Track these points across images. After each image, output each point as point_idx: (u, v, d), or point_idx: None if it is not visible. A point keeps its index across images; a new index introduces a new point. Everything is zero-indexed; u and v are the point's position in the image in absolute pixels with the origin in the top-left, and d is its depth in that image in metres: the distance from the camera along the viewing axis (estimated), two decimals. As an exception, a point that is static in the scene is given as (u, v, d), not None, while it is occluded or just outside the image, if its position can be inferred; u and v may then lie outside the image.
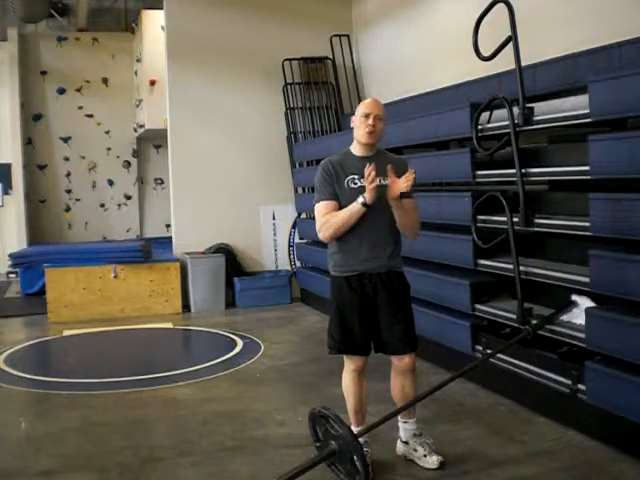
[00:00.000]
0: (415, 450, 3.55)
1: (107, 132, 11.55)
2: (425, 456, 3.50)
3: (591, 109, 3.81)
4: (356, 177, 3.40)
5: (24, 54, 11.14)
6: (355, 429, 3.43)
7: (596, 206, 3.72)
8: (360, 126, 3.43)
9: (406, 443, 3.60)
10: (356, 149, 3.51)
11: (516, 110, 4.35)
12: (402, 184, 3.26)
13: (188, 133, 8.47)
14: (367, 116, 3.40)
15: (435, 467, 3.46)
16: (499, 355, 4.28)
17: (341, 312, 3.47)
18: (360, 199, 3.28)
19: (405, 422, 3.60)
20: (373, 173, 3.22)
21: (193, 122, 8.47)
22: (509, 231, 4.32)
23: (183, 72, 8.40)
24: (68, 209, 11.50)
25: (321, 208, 3.43)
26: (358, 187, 3.37)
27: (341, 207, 3.40)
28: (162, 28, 8.87)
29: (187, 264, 8.12)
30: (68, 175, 11.47)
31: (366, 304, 3.44)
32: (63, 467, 3.67)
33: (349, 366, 3.52)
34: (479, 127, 4.74)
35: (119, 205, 11.72)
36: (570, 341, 3.94)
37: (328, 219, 3.38)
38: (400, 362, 3.51)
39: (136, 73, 11.04)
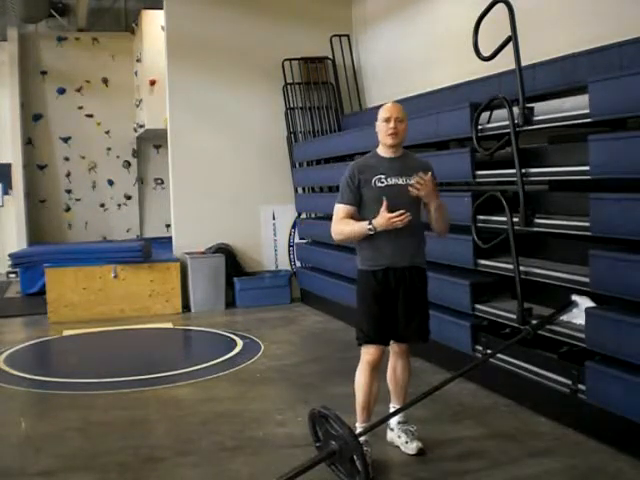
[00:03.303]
0: (399, 437, 3.73)
1: (107, 132, 11.56)
2: (407, 442, 3.67)
3: (591, 109, 3.82)
4: (383, 177, 3.54)
5: (24, 54, 11.15)
6: (360, 426, 3.51)
7: (596, 206, 3.72)
8: (382, 130, 3.59)
9: (392, 430, 3.77)
10: (382, 151, 3.65)
11: (516, 110, 4.35)
12: (423, 188, 3.44)
13: (188, 133, 8.47)
14: (388, 120, 3.57)
15: (414, 453, 3.63)
16: (499, 355, 4.28)
17: (368, 304, 3.59)
18: (369, 224, 3.43)
19: (393, 407, 3.76)
20: (397, 219, 3.35)
21: (193, 122, 8.47)
22: (509, 231, 4.32)
23: (183, 72, 8.39)
24: (68, 209, 11.51)
25: (339, 211, 3.59)
26: (385, 185, 3.51)
27: (364, 204, 3.53)
28: (162, 28, 8.87)
29: (187, 264, 8.12)
30: (68, 175, 11.48)
31: (388, 296, 3.56)
32: (63, 467, 3.67)
33: (365, 357, 3.59)
34: (479, 127, 4.74)
35: (119, 205, 11.73)
36: (570, 341, 3.94)
37: (342, 227, 3.56)
38: (397, 346, 3.72)
39: (136, 73, 11.04)
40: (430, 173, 3.49)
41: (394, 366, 3.78)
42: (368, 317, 3.57)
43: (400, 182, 3.52)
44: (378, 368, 3.60)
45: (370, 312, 3.57)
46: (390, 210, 3.37)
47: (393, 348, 3.73)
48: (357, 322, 3.66)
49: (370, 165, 3.61)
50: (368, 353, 3.58)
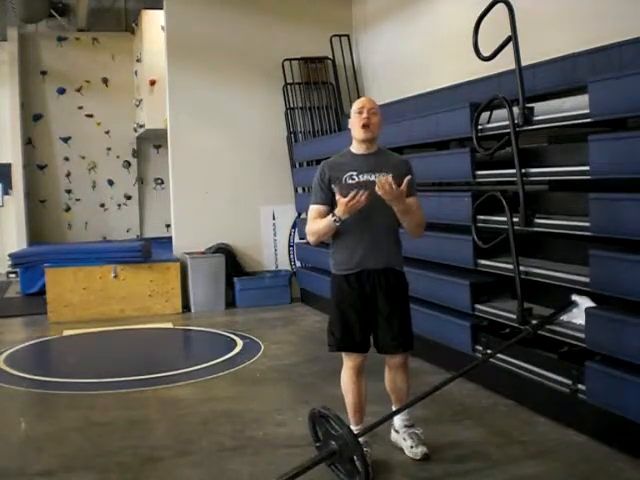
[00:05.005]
0: (404, 440, 3.65)
1: (107, 132, 11.56)
2: (412, 447, 3.59)
3: (591, 109, 3.81)
4: (354, 173, 3.43)
5: (24, 54, 11.14)
6: (354, 428, 3.45)
7: (596, 206, 3.72)
8: (355, 122, 3.48)
9: (398, 432, 3.70)
10: (355, 148, 3.55)
11: (516, 110, 4.35)
12: (385, 192, 3.22)
13: (188, 133, 8.47)
14: (360, 111, 3.46)
15: (419, 458, 3.55)
16: (499, 355, 4.28)
17: (341, 310, 3.50)
18: (333, 216, 3.33)
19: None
20: (353, 201, 3.21)
21: (193, 122, 8.47)
22: (509, 231, 4.32)
23: (183, 72, 8.40)
24: (68, 209, 11.50)
25: (311, 212, 3.53)
26: (356, 182, 3.39)
27: (337, 203, 3.36)
28: (162, 28, 8.87)
29: (187, 264, 8.12)
30: (68, 175, 11.47)
31: (364, 302, 3.47)
32: (63, 467, 3.67)
33: (347, 363, 3.54)
34: (479, 127, 4.74)
35: (119, 205, 11.72)
36: (570, 341, 3.93)
37: (313, 226, 3.48)
38: (391, 359, 3.59)
39: (136, 73, 11.04)
40: (391, 176, 3.21)
41: (393, 378, 3.64)
42: (341, 324, 3.47)
43: (372, 178, 3.33)
44: (362, 370, 3.54)
45: (343, 319, 3.47)
46: (365, 211, 3.26)
47: (388, 362, 3.61)
48: (329, 327, 3.55)
49: (342, 162, 3.50)
50: (349, 360, 3.52)
